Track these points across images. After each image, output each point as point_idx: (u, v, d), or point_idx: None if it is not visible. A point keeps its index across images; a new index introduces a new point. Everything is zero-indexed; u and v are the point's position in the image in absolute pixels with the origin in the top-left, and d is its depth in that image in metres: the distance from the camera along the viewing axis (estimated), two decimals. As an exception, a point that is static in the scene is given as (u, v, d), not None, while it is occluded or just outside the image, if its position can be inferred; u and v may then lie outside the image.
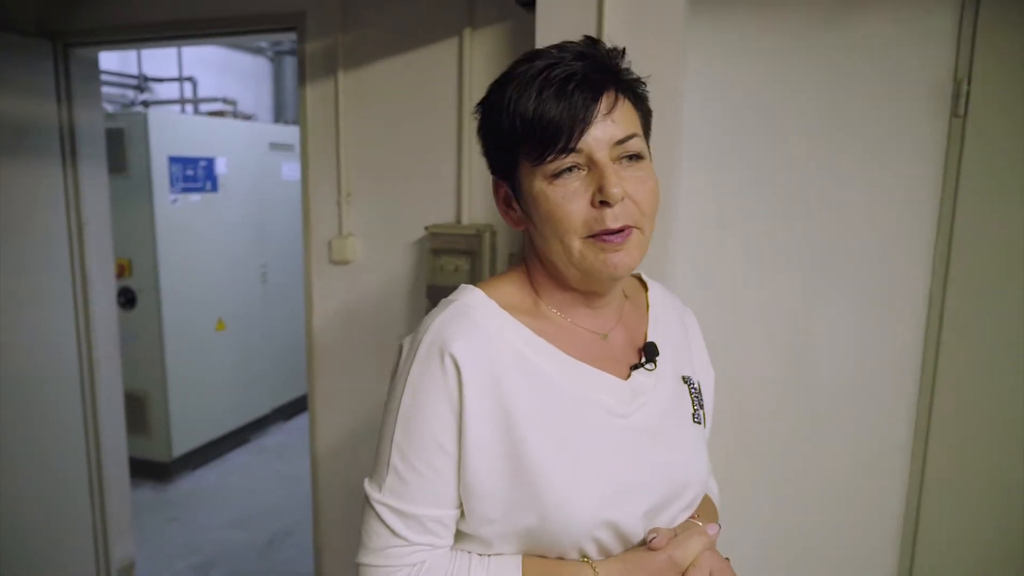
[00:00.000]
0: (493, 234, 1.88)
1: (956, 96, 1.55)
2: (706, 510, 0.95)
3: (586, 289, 0.84)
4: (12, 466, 2.33)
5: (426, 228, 1.93)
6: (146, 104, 4.25)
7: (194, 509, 3.49)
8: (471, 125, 1.91)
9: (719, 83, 1.71)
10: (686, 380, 0.91)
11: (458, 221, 1.95)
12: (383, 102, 2.02)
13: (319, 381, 2.22)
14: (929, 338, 1.63)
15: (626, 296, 0.93)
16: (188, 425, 3.84)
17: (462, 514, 0.80)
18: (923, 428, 1.65)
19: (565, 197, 0.76)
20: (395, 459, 0.78)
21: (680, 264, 1.71)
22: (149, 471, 3.77)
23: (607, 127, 0.76)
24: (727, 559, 0.86)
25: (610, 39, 1.59)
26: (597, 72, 0.77)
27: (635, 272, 0.97)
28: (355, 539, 0.85)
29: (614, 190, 0.75)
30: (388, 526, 0.78)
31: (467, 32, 1.89)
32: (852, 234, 1.67)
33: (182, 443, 3.81)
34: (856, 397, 1.70)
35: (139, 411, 3.73)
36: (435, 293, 1.94)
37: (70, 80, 2.45)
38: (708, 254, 1.76)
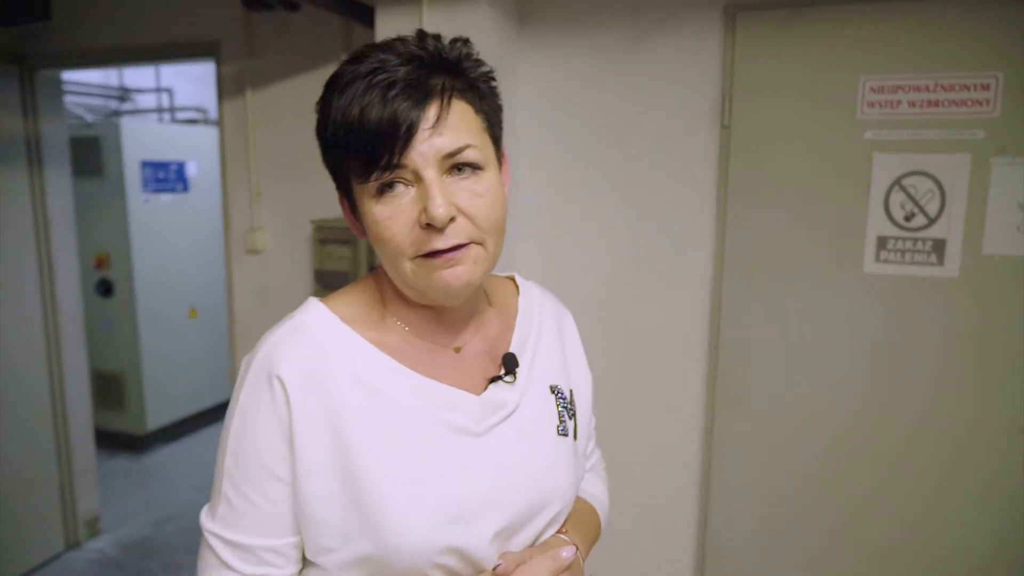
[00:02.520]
0: (367, 227, 2.24)
1: (723, 110, 1.89)
2: (580, 524, 0.89)
3: (428, 303, 0.78)
4: (-14, 428, 2.73)
5: (312, 221, 2.30)
6: (117, 114, 4.67)
7: (162, 476, 3.90)
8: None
9: (546, 99, 2.05)
10: (553, 390, 0.85)
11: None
12: (283, 115, 2.39)
13: (239, 354, 2.60)
14: (712, 311, 1.97)
15: (491, 304, 0.88)
16: (161, 403, 4.25)
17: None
18: (711, 383, 1.99)
19: (391, 217, 0.70)
20: (226, 487, 0.73)
21: (520, 259, 2.06)
22: (125, 443, 4.19)
23: (434, 140, 0.68)
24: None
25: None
26: (426, 76, 0.69)
27: (509, 274, 0.96)
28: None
29: (438, 212, 0.68)
30: (219, 557, 0.74)
31: (344, 56, 2.25)
32: (654, 226, 2.02)
33: (156, 419, 4.22)
34: (660, 362, 2.05)
35: (116, 389, 4.15)
36: (323, 277, 2.30)
37: (35, 97, 2.84)
38: (542, 249, 2.11)
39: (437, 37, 0.73)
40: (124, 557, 3.06)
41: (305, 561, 0.77)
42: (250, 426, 0.73)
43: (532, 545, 0.80)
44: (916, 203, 1.75)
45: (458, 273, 0.72)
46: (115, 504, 3.50)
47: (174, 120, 4.88)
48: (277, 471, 0.72)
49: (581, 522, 0.89)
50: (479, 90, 0.75)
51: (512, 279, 0.95)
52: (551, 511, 0.81)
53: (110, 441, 4.21)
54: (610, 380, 2.04)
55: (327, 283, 2.30)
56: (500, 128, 0.79)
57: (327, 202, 2.35)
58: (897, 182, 1.76)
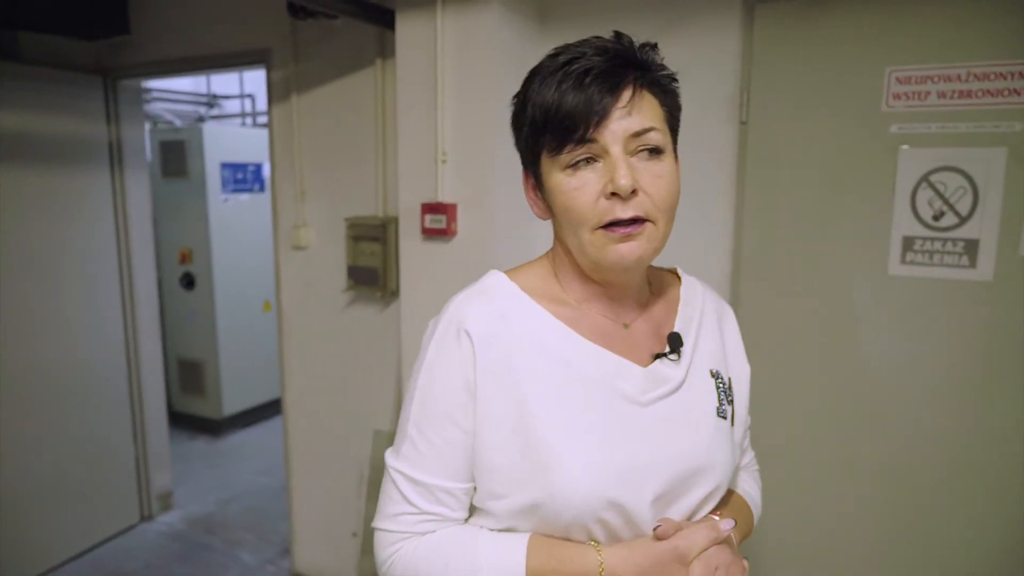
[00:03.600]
0: (396, 224, 2.31)
1: (741, 106, 1.83)
2: (735, 513, 0.91)
3: (602, 279, 0.85)
4: (70, 414, 3.01)
5: (345, 219, 2.40)
6: (204, 119, 4.99)
7: (234, 459, 4.15)
8: (388, 135, 2.34)
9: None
10: (714, 374, 0.89)
11: (381, 213, 2.40)
12: (324, 117, 2.50)
13: (287, 344, 2.75)
14: (734, 286, 1.92)
15: (652, 292, 0.93)
16: (237, 390, 4.52)
17: (475, 489, 0.82)
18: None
19: (579, 187, 0.77)
20: (412, 429, 0.82)
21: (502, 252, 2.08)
22: (204, 427, 4.49)
23: (623, 121, 0.76)
24: (745, 559, 0.86)
25: (442, 76, 2.03)
26: (618, 66, 0.77)
27: (672, 267, 1.02)
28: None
29: (623, 181, 0.75)
30: (401, 492, 0.82)
31: (378, 62, 2.33)
32: (675, 228, 1.98)
33: (231, 405, 4.50)
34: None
35: (197, 376, 4.46)
36: (355, 272, 2.40)
37: (118, 105, 3.10)
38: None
39: (630, 39, 0.82)
40: (190, 531, 3.29)
41: (474, 509, 0.84)
42: (438, 375, 0.81)
43: (688, 519, 0.84)
44: (946, 201, 1.63)
45: (632, 247, 0.78)
46: (189, 482, 3.77)
47: (255, 124, 5.18)
48: (459, 419, 0.80)
49: (736, 511, 0.93)
50: (664, 87, 0.82)
51: (674, 271, 1.01)
52: (708, 486, 0.84)
53: (191, 424, 4.52)
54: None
55: (359, 279, 2.39)
56: (678, 125, 0.86)
57: (361, 200, 2.45)
58: (925, 178, 1.65)
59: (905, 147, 1.66)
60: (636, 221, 0.77)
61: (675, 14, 1.89)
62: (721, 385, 0.90)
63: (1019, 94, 1.55)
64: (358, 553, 2.56)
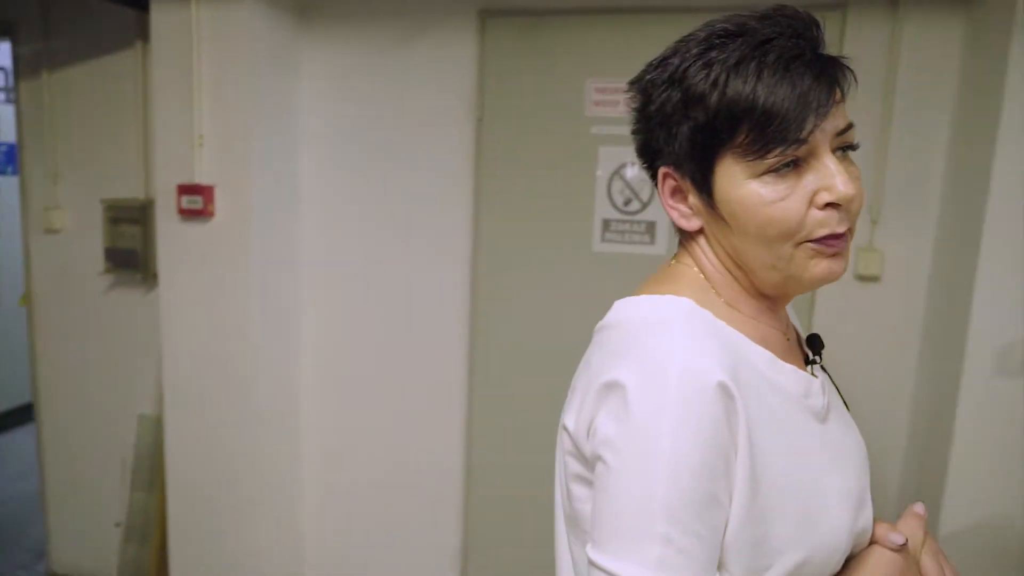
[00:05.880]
0: (152, 206, 2.31)
1: (477, 105, 2.10)
2: None
3: (777, 294, 0.75)
4: None
5: (102, 201, 2.36)
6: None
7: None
8: (149, 117, 2.34)
9: (327, 95, 2.21)
10: (824, 368, 0.82)
11: (142, 195, 2.38)
12: (83, 98, 2.44)
13: (41, 340, 2.61)
14: (473, 281, 2.17)
15: None
16: (-11, 395, 4.11)
17: None
18: (471, 359, 2.19)
19: (786, 198, 0.66)
20: (663, 526, 0.60)
21: (306, 249, 2.20)
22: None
23: (835, 116, 0.66)
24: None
25: (198, 61, 2.09)
26: (817, 51, 0.66)
27: None
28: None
29: (847, 190, 0.65)
30: None
31: (139, 44, 2.33)
32: (421, 213, 2.20)
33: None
34: (425, 344, 2.24)
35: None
36: (113, 255, 2.37)
37: None
38: (323, 235, 2.26)
39: (811, 16, 0.68)
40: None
41: None
42: (694, 446, 0.61)
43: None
44: (632, 190, 2.01)
45: (841, 264, 0.69)
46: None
47: (8, 101, 4.72)
48: (720, 495, 0.62)
49: None
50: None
51: None
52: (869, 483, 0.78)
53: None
54: (381, 363, 2.22)
55: (118, 262, 2.36)
56: None
57: (123, 182, 2.42)
58: (617, 171, 2.01)
59: (603, 146, 2.01)
60: (844, 233, 0.68)
61: (422, 18, 2.12)
62: (832, 378, 0.82)
63: (681, 106, 1.95)
64: (120, 542, 2.51)
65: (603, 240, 2.04)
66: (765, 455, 0.65)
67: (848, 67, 0.67)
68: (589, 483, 0.68)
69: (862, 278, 1.91)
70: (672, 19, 1.91)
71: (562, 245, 2.08)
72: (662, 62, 0.70)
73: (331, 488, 2.38)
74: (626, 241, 2.03)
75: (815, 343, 0.81)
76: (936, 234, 1.85)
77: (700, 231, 0.73)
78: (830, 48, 0.68)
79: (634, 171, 2.00)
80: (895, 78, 1.82)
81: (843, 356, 1.93)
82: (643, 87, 0.71)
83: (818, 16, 0.68)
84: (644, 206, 2.01)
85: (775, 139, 0.64)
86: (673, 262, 0.78)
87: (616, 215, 2.03)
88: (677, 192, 0.73)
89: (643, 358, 0.64)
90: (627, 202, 2.02)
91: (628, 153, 1.98)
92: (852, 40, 1.84)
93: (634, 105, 0.73)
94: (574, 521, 0.73)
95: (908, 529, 0.75)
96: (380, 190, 2.21)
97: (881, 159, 1.85)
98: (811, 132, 0.64)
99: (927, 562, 0.74)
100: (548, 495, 0.82)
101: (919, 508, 0.77)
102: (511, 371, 2.16)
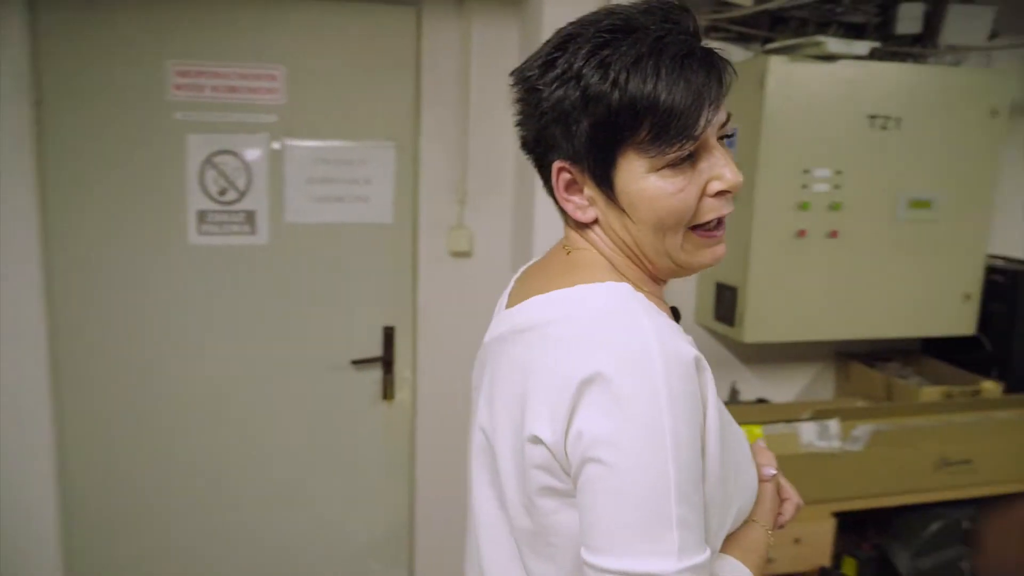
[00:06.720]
0: None
1: (34, 86, 1.83)
2: None
3: (667, 278, 0.79)
4: None
5: None
6: None
7: None
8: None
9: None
10: None
11: None
12: None
13: None
14: (47, 282, 1.89)
15: None
16: None
17: None
18: (55, 368, 1.90)
19: (683, 189, 0.69)
20: (678, 508, 0.61)
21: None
22: None
23: (720, 109, 0.69)
24: None
25: None
26: (700, 44, 0.69)
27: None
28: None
29: (739, 179, 0.70)
30: None
31: None
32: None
33: None
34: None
35: None
36: None
37: None
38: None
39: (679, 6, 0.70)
40: None
41: None
42: (686, 423, 0.63)
43: None
44: (227, 179, 1.92)
45: (722, 247, 0.74)
46: None
47: None
48: (702, 464, 0.66)
49: None
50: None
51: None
52: None
53: None
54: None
55: None
56: None
57: None
58: (209, 160, 1.91)
59: (191, 134, 1.89)
60: (723, 219, 0.73)
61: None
62: None
63: (271, 92, 1.93)
64: None
65: (200, 233, 1.92)
66: (723, 416, 0.70)
67: (727, 60, 0.71)
68: (562, 494, 0.67)
69: (455, 254, 2.06)
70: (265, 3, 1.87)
71: (154, 239, 1.91)
72: (549, 58, 0.69)
73: None
74: (225, 232, 1.93)
75: (675, 314, 0.87)
76: (513, 212, 2.08)
77: (595, 221, 0.74)
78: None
79: (227, 159, 1.91)
80: (469, 71, 2.00)
81: (443, 326, 2.07)
82: (530, 83, 0.71)
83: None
84: (241, 195, 1.93)
85: (677, 134, 0.66)
86: (572, 251, 0.77)
87: (212, 206, 1.92)
88: (572, 185, 0.74)
89: (619, 346, 0.64)
90: (222, 192, 1.92)
91: (220, 140, 1.91)
92: (428, 35, 1.98)
93: (519, 100, 0.73)
94: (538, 536, 0.70)
95: (767, 461, 0.85)
96: None
97: (463, 148, 2.03)
98: (705, 126, 0.67)
99: (782, 482, 0.88)
100: None
101: (762, 443, 0.89)
102: (105, 379, 1.92)
